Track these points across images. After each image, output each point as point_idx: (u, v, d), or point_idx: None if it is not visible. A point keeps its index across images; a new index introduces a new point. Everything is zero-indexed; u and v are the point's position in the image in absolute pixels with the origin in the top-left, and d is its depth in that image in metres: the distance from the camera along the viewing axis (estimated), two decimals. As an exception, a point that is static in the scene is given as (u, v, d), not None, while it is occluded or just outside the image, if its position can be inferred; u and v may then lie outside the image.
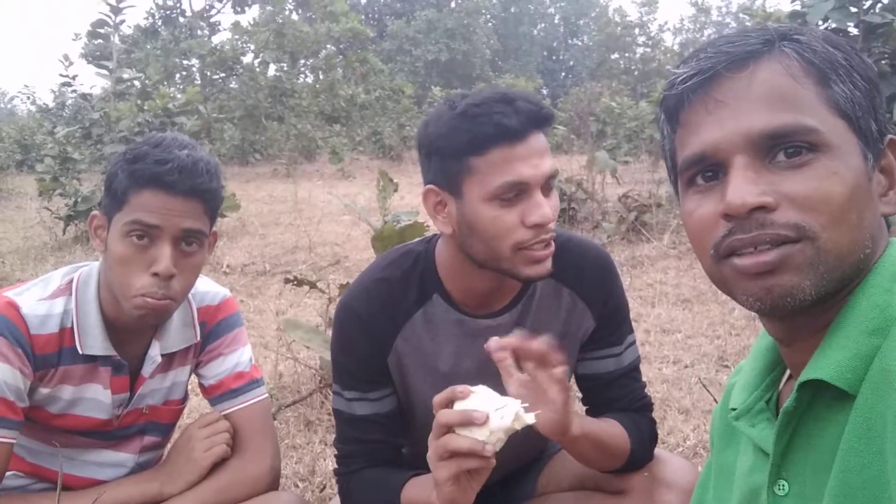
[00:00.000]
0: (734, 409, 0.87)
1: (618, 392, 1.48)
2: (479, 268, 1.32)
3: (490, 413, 1.06)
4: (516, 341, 1.13)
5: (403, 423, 1.49)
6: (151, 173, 1.36)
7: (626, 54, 34.44)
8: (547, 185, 1.26)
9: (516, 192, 1.23)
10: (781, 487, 0.77)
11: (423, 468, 1.59)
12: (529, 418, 1.07)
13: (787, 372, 0.85)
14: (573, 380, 1.53)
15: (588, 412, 1.51)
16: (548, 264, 1.28)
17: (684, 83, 0.78)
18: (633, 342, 1.53)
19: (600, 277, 1.45)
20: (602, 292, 1.45)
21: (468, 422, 1.06)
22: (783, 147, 0.73)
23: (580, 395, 1.56)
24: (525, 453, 1.64)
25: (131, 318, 1.42)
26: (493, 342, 1.13)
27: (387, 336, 1.40)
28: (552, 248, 1.28)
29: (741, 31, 0.78)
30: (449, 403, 1.09)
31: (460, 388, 1.09)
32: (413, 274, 1.41)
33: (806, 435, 0.75)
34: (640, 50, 34.41)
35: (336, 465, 1.49)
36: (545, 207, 1.23)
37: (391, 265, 1.44)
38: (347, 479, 1.45)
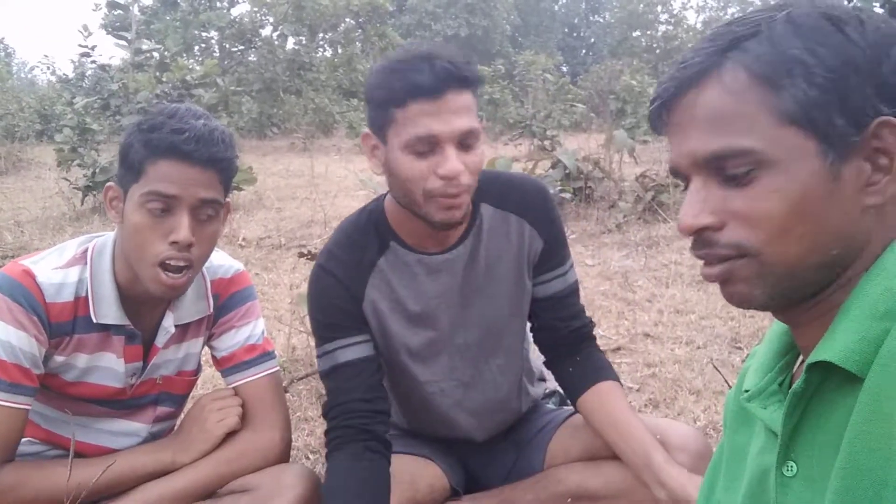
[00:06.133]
0: (747, 391, 0.86)
1: (566, 311, 1.63)
2: (416, 218, 1.42)
3: None
4: None
5: (382, 375, 1.55)
6: (169, 143, 1.36)
7: (648, 32, 34.05)
8: (464, 141, 1.34)
9: (428, 145, 1.33)
10: (790, 468, 0.77)
11: (412, 429, 1.67)
12: None
13: (801, 355, 0.85)
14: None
15: (541, 339, 1.67)
16: (458, 212, 1.38)
17: (652, 105, 0.81)
18: (572, 264, 1.67)
19: (542, 201, 1.59)
20: (546, 214, 1.59)
21: None
22: (727, 168, 0.74)
23: (532, 323, 1.69)
24: (500, 402, 1.68)
25: (148, 290, 1.43)
26: None
27: (358, 285, 1.50)
28: (463, 198, 1.37)
29: (698, 46, 0.77)
30: None
31: None
32: (368, 228, 1.53)
33: (815, 417, 0.75)
34: (662, 28, 33.99)
35: (325, 441, 1.52)
36: (452, 161, 1.32)
37: (348, 225, 1.56)
38: (329, 456, 1.49)
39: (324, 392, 2.79)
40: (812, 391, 0.75)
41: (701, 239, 0.76)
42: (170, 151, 1.37)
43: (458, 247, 1.53)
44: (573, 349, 1.64)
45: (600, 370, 1.61)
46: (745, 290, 0.76)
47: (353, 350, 1.50)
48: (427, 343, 1.56)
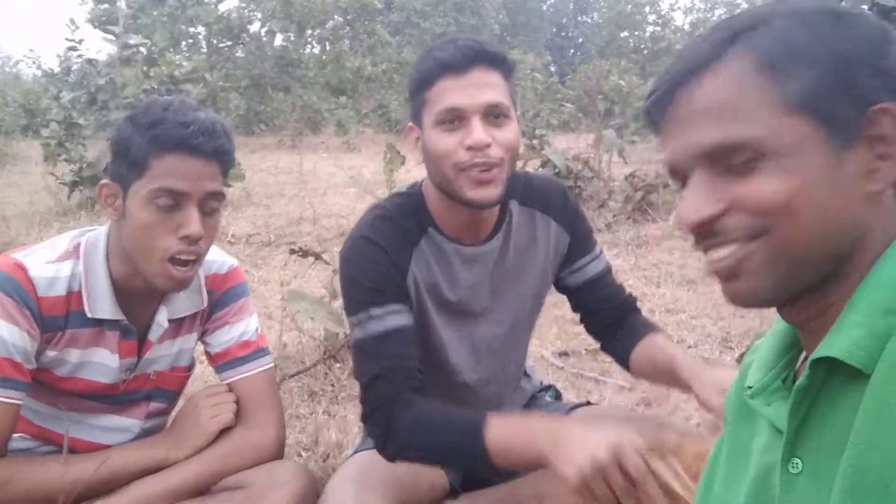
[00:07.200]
0: (750, 388, 0.86)
1: (608, 290, 1.70)
2: (451, 200, 1.46)
3: None
4: None
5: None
6: (178, 137, 1.35)
7: (636, 32, 34.14)
8: (491, 115, 1.39)
9: (454, 118, 1.38)
10: (795, 465, 0.76)
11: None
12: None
13: (805, 353, 0.84)
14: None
15: (589, 324, 1.74)
16: (492, 191, 1.40)
17: (648, 100, 0.80)
18: (602, 251, 1.74)
19: (564, 198, 1.67)
20: (568, 208, 1.66)
21: None
22: (729, 158, 0.73)
23: (577, 311, 1.75)
24: (509, 394, 1.73)
25: (153, 285, 1.42)
26: None
27: (403, 258, 1.49)
28: (494, 174, 1.39)
29: (703, 36, 0.77)
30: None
31: None
32: (408, 210, 1.54)
33: (820, 413, 0.74)
34: (650, 28, 34.08)
35: (366, 401, 1.44)
36: (478, 132, 1.37)
37: (387, 204, 1.56)
38: (388, 408, 1.40)
39: (315, 390, 2.79)
40: (818, 387, 0.74)
41: (705, 231, 0.75)
42: (177, 146, 1.36)
43: (492, 240, 1.56)
44: (620, 322, 1.69)
45: (645, 328, 1.66)
46: (752, 285, 0.75)
47: (402, 317, 1.46)
48: (457, 333, 1.58)
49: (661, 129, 0.81)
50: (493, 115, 1.39)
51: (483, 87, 1.38)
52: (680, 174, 0.79)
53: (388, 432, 1.39)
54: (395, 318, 1.45)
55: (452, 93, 1.38)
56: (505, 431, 1.29)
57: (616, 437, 1.15)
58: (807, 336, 0.80)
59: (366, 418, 1.45)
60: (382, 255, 1.47)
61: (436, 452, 1.38)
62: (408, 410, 1.38)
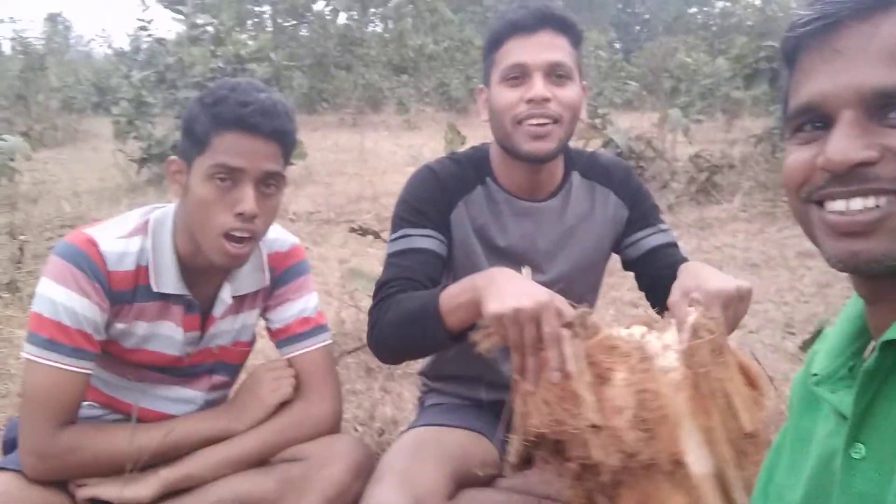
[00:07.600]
0: (815, 375, 0.84)
1: (668, 260, 1.63)
2: (509, 155, 1.55)
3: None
4: None
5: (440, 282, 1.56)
6: (235, 115, 1.38)
7: (705, 8, 33.29)
8: (554, 74, 1.48)
9: (518, 74, 1.48)
10: (858, 450, 0.74)
11: (463, 375, 1.71)
12: None
13: (874, 342, 0.82)
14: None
15: (654, 300, 1.65)
16: (547, 144, 1.49)
17: (804, 26, 0.75)
18: (669, 228, 1.73)
19: (626, 174, 1.72)
20: (629, 184, 1.70)
21: None
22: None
23: (642, 288, 1.71)
24: None
25: (211, 260, 1.46)
26: None
27: (454, 195, 1.61)
28: (550, 129, 1.48)
29: None
30: None
31: None
32: (471, 161, 1.65)
33: (887, 398, 0.72)
34: (719, 4, 33.17)
35: (372, 305, 1.53)
36: (538, 87, 1.46)
37: (456, 152, 1.71)
38: (383, 302, 1.49)
39: (372, 367, 2.83)
40: (886, 371, 0.72)
41: (852, 175, 0.71)
42: (235, 124, 1.39)
43: (548, 200, 1.64)
44: None
45: None
46: (885, 247, 0.71)
47: (431, 241, 1.56)
48: None
49: (807, 58, 0.76)
50: (556, 74, 1.48)
51: (548, 47, 1.47)
52: (818, 111, 0.75)
53: (374, 327, 1.49)
54: (423, 240, 1.56)
55: (518, 50, 1.47)
56: (454, 288, 1.35)
57: (548, 297, 1.20)
58: (879, 318, 0.78)
59: (370, 311, 1.53)
60: (437, 184, 1.60)
61: (402, 329, 1.43)
62: (390, 301, 1.47)
